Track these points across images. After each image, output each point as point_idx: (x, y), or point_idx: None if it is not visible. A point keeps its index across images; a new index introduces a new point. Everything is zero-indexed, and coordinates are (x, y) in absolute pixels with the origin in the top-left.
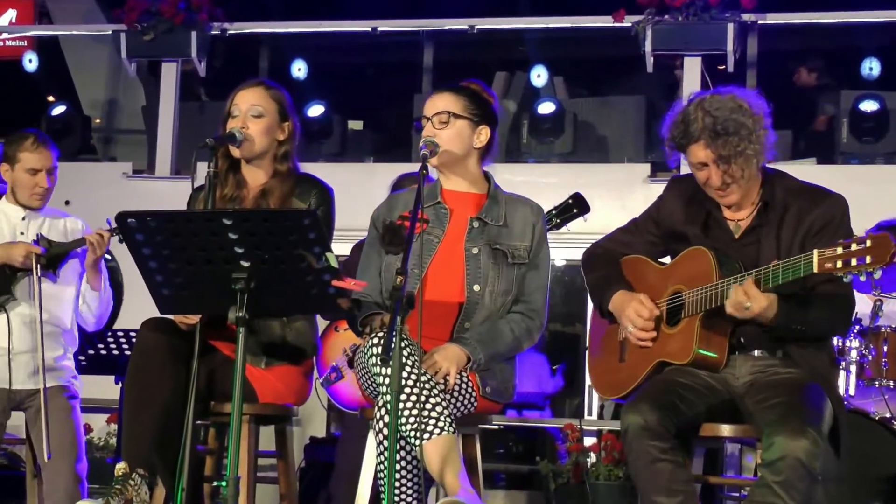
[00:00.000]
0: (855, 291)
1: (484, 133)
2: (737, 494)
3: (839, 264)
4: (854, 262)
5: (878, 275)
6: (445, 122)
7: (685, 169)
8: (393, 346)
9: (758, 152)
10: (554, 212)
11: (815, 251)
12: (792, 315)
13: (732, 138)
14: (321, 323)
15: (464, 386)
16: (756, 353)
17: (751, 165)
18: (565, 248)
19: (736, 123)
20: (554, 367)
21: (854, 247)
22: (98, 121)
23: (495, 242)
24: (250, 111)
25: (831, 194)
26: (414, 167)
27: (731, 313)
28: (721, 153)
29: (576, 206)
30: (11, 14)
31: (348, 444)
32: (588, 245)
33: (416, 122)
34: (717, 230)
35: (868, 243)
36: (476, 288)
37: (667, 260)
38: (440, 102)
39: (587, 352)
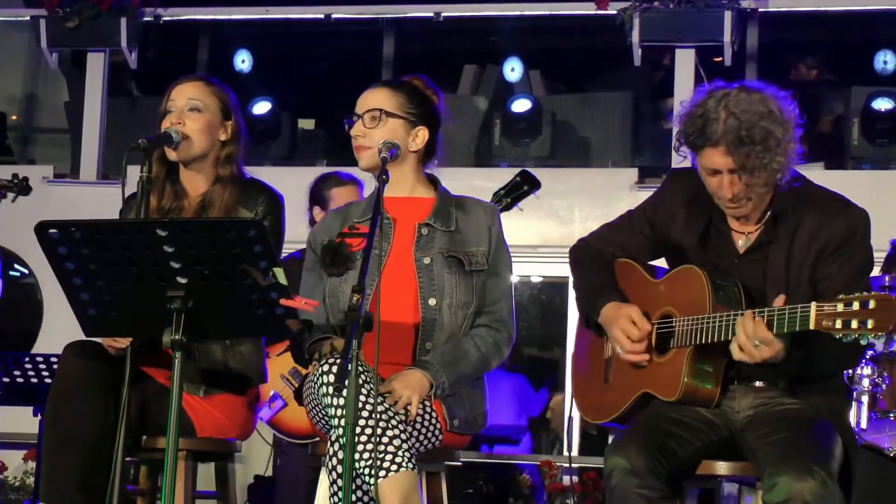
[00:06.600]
0: None
1: (421, 135)
2: None
3: (838, 324)
4: (855, 324)
5: (879, 344)
6: (377, 119)
7: (677, 164)
8: (349, 371)
9: (783, 165)
10: (502, 192)
11: (814, 304)
12: (796, 355)
13: (758, 147)
14: None
15: (427, 417)
16: (757, 383)
17: (773, 178)
18: (542, 262)
19: (764, 132)
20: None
21: (856, 306)
22: (14, 118)
23: (449, 250)
24: (187, 106)
25: (852, 208)
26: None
27: (738, 357)
28: (744, 163)
29: (525, 183)
30: None
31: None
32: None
33: (347, 119)
34: (719, 244)
35: (872, 304)
36: (432, 302)
37: (663, 263)
38: (373, 99)
39: (571, 366)
